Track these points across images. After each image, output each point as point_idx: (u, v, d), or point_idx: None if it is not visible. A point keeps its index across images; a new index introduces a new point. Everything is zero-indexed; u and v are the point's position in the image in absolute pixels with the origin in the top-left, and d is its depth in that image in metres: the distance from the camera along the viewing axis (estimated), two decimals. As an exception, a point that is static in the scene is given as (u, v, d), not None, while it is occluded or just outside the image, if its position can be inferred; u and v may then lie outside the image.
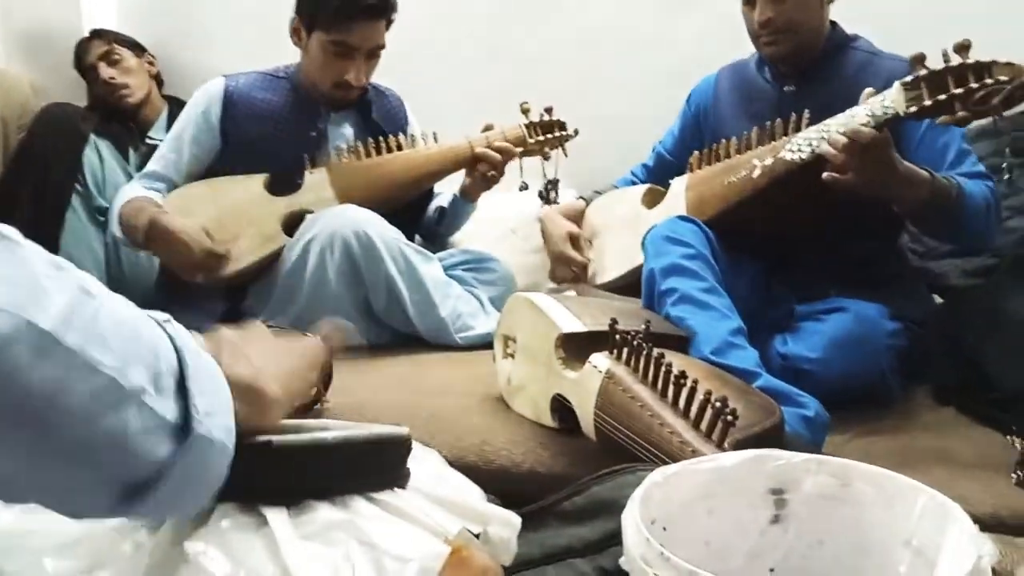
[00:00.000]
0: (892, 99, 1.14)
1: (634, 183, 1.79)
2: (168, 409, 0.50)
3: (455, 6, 2.34)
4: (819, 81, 1.48)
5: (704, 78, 1.73)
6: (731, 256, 1.40)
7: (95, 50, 2.13)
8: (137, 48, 2.20)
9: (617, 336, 1.07)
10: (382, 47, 1.77)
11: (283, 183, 1.74)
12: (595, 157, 2.01)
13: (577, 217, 1.78)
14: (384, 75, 1.93)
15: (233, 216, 1.70)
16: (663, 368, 1.00)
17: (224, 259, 1.67)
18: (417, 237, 1.93)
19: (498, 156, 1.79)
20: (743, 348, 1.22)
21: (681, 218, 1.38)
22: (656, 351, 1.02)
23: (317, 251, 1.60)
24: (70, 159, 1.84)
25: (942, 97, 1.07)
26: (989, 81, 1.04)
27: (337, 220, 1.62)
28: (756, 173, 1.34)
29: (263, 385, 0.62)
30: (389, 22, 1.76)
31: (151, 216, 1.65)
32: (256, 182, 1.74)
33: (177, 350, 0.53)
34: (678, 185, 1.56)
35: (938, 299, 1.61)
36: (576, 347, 1.14)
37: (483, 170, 1.81)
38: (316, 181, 1.74)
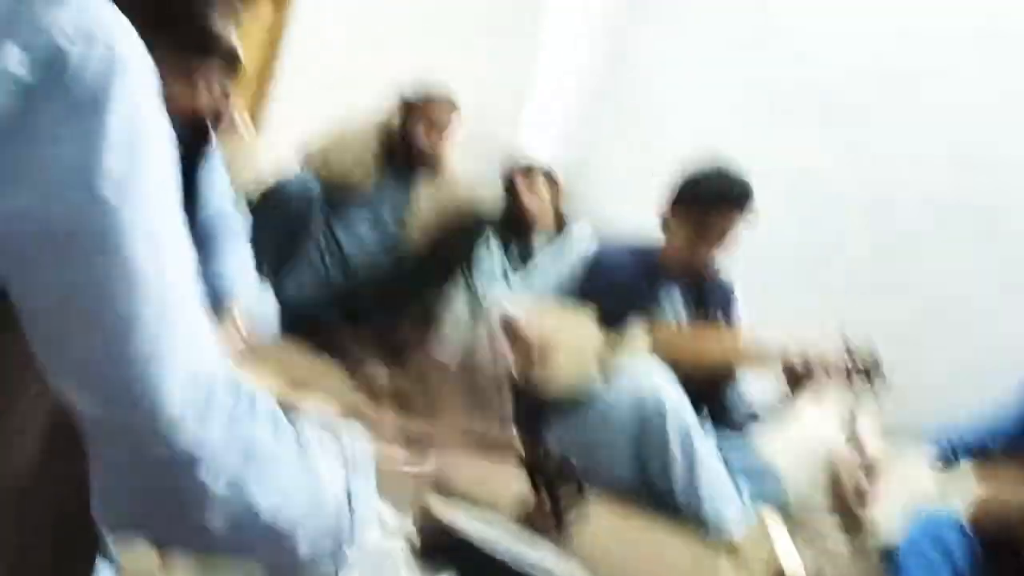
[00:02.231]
0: None
1: (947, 454, 1.75)
2: None
3: (830, 235, 2.46)
4: None
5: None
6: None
7: (522, 175, 2.66)
8: (556, 183, 2.69)
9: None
10: (736, 231, 1.99)
11: (612, 324, 1.99)
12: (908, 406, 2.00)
13: (867, 468, 1.79)
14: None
15: (563, 336, 1.99)
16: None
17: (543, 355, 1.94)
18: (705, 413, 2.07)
19: (805, 363, 1.88)
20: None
21: (948, 520, 1.37)
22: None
23: (616, 396, 1.85)
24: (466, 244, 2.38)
25: None
26: None
27: (641, 374, 1.85)
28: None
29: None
30: (748, 214, 1.99)
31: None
32: (590, 316, 2.01)
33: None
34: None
35: None
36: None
37: (789, 372, 1.92)
38: (638, 332, 1.99)
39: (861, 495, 1.71)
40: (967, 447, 1.73)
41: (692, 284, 2.12)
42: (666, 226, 2.08)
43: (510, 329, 1.98)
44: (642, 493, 1.86)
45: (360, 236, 2.58)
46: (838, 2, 2.58)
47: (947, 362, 2.23)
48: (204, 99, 1.44)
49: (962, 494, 1.51)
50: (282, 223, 2.38)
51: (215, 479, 0.52)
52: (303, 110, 3.02)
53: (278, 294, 2.35)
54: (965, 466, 1.60)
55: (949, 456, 1.72)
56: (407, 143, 2.57)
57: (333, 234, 2.56)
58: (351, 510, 0.60)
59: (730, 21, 2.71)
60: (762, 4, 2.66)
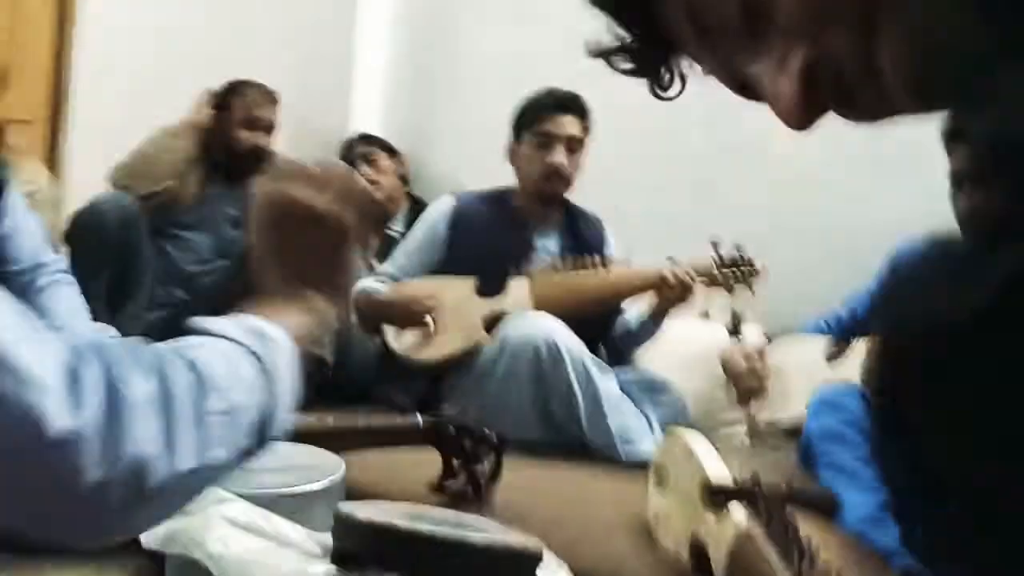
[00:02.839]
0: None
1: (824, 331, 1.84)
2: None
3: (668, 144, 2.51)
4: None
5: (904, 243, 1.75)
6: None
7: (357, 150, 2.53)
8: (392, 150, 2.57)
9: (757, 489, 1.15)
10: (579, 140, 2.03)
11: (490, 287, 1.98)
12: (786, 299, 2.09)
13: (759, 354, 1.85)
14: (589, 198, 2.17)
15: (445, 310, 1.95)
16: (797, 537, 1.06)
17: (431, 304, 1.92)
18: (602, 350, 2.08)
19: (674, 282, 1.93)
20: (888, 525, 1.24)
21: (848, 385, 1.43)
22: (794, 517, 1.08)
23: (509, 351, 1.80)
24: None
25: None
26: None
27: (531, 326, 1.82)
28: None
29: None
30: (585, 123, 2.04)
31: (366, 295, 2.01)
32: (467, 284, 1.99)
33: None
34: (859, 350, 1.60)
35: None
36: (726, 497, 1.22)
37: (668, 294, 1.95)
38: (518, 289, 1.97)
39: (758, 376, 1.75)
40: (843, 325, 1.81)
41: (561, 224, 2.13)
42: (514, 157, 2.10)
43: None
44: (553, 443, 1.83)
45: (195, 248, 2.39)
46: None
47: (815, 250, 2.31)
48: None
49: (853, 367, 1.57)
50: (102, 252, 2.16)
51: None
52: (105, 132, 2.80)
53: (120, 331, 2.16)
54: (851, 343, 1.66)
55: (834, 335, 1.79)
56: (225, 141, 2.39)
57: (166, 252, 2.36)
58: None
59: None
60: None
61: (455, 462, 1.38)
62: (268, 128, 2.40)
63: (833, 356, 1.68)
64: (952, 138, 1.50)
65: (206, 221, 2.41)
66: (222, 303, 2.37)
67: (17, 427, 0.44)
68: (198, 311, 2.32)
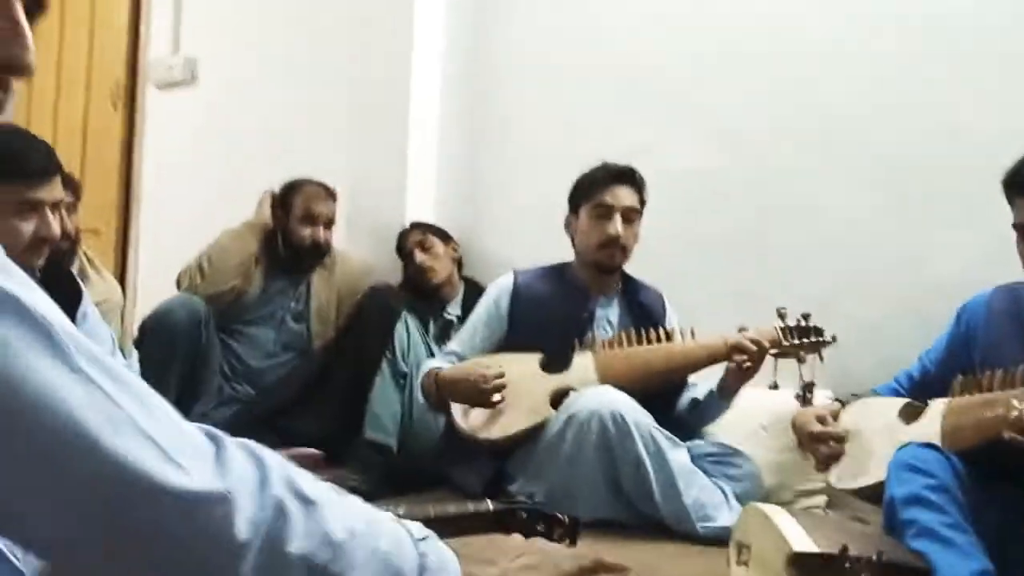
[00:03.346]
0: None
1: (897, 391, 1.78)
2: None
3: (720, 206, 2.51)
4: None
5: (977, 295, 1.71)
6: (983, 491, 1.35)
7: (412, 238, 2.58)
8: (446, 237, 2.62)
9: (847, 563, 1.11)
10: (635, 211, 2.07)
11: (555, 362, 1.98)
12: (853, 362, 2.05)
13: (832, 415, 1.79)
14: (648, 270, 2.18)
15: (511, 387, 1.94)
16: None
17: (501, 383, 1.92)
18: (668, 425, 2.05)
19: (753, 347, 1.90)
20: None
21: (927, 446, 1.38)
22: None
23: (576, 427, 1.79)
24: (385, 332, 2.22)
25: None
26: None
27: (596, 400, 1.80)
28: (1013, 415, 1.32)
29: None
30: (640, 194, 2.08)
31: (436, 374, 2.02)
32: (533, 359, 2.00)
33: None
34: (936, 407, 1.54)
35: None
36: (806, 566, 1.18)
37: (738, 360, 1.92)
38: (582, 363, 1.96)
39: (834, 440, 1.68)
40: (915, 382, 1.76)
41: (621, 295, 2.14)
42: (572, 229, 2.13)
43: None
44: (627, 521, 1.79)
45: (261, 343, 2.45)
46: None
47: (877, 308, 2.27)
48: (51, 230, 1.38)
49: (931, 425, 1.52)
50: (174, 353, 2.22)
51: None
52: (172, 239, 2.93)
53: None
54: (924, 401, 1.61)
55: (906, 394, 1.74)
56: (286, 237, 2.48)
57: (232, 349, 2.42)
58: None
59: (570, 47, 2.77)
60: (601, 30, 2.72)
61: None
62: (327, 222, 2.48)
63: (908, 416, 1.63)
64: (1018, 189, 1.49)
65: (270, 316, 2.47)
66: (288, 395, 2.41)
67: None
68: (266, 405, 2.37)
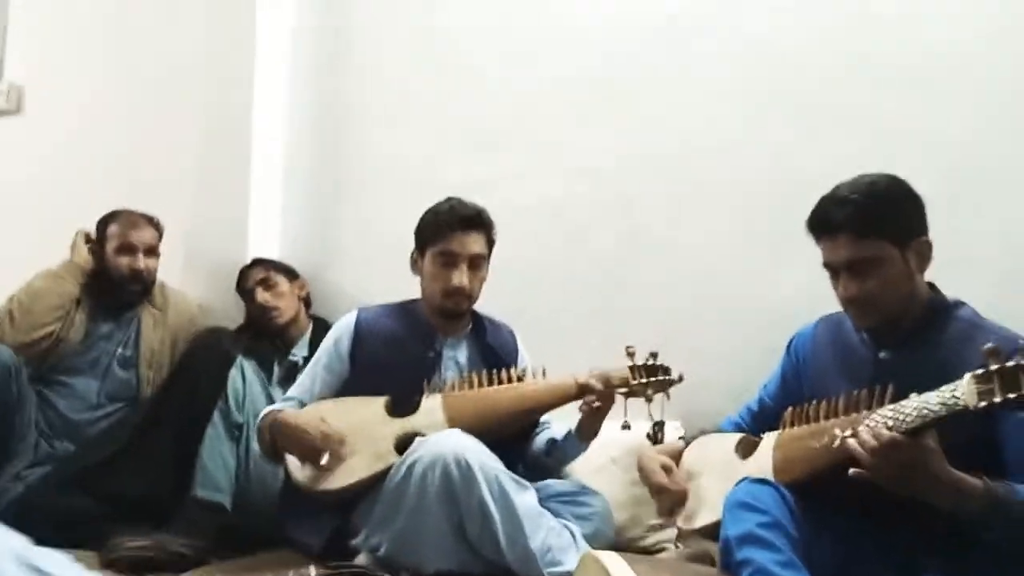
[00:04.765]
0: (963, 390, 1.14)
1: (739, 425, 1.81)
2: None
3: (574, 239, 2.53)
4: (916, 349, 1.47)
5: (804, 328, 1.76)
6: (816, 522, 1.37)
7: (254, 276, 2.45)
8: (291, 274, 2.51)
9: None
10: (482, 257, 2.00)
11: (402, 405, 1.90)
12: (702, 395, 2.07)
13: (674, 456, 1.80)
14: (500, 305, 2.15)
15: (354, 433, 1.85)
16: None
17: (342, 443, 1.82)
18: (520, 467, 2.00)
19: (601, 387, 1.88)
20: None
21: (759, 481, 1.39)
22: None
23: (419, 473, 1.70)
24: (217, 379, 2.09)
25: (1012, 396, 1.06)
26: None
27: (440, 445, 1.72)
28: (836, 444, 1.34)
29: None
30: (489, 239, 2.02)
31: (272, 417, 1.89)
32: (378, 403, 1.91)
33: None
34: (769, 441, 1.57)
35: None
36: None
37: (590, 400, 1.89)
38: (430, 406, 1.89)
39: (676, 485, 1.68)
40: (754, 416, 1.79)
41: (470, 335, 2.08)
42: (416, 268, 2.06)
43: None
44: (476, 571, 1.72)
45: (83, 394, 2.24)
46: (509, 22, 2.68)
47: (726, 343, 2.32)
48: None
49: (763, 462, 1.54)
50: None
51: None
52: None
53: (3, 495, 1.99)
54: (759, 435, 1.64)
55: (747, 428, 1.77)
56: (107, 273, 2.31)
57: (49, 401, 2.20)
58: None
59: (428, 74, 2.74)
60: (455, 57, 2.71)
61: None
62: (148, 250, 2.32)
63: (743, 451, 1.64)
64: (817, 231, 1.54)
65: (94, 363, 2.28)
66: (111, 450, 2.20)
67: None
68: (85, 462, 2.15)
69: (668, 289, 2.41)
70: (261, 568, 1.59)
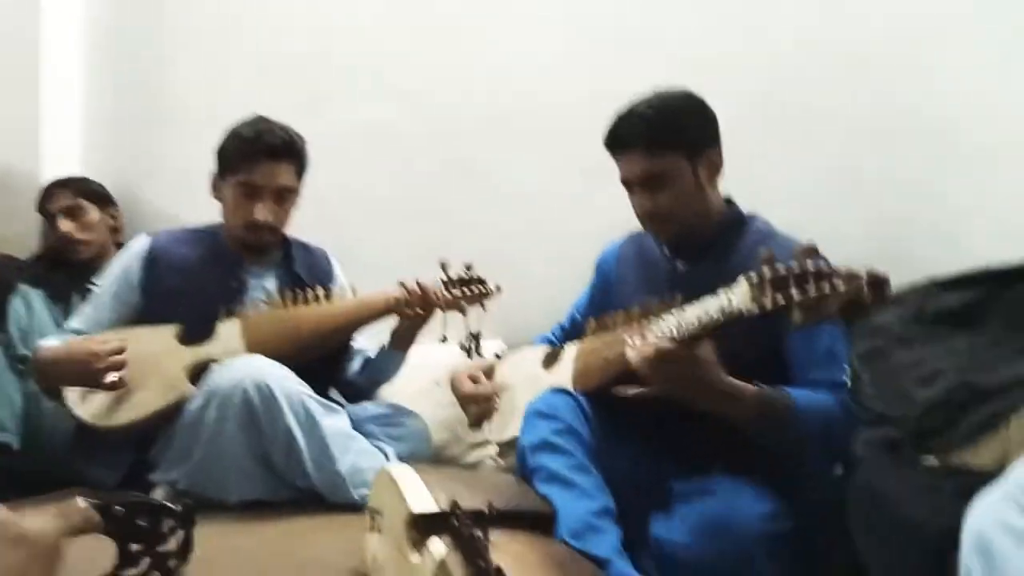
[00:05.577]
0: (739, 295, 1.17)
1: (551, 341, 1.82)
2: None
3: (397, 163, 2.46)
4: (712, 260, 1.51)
5: (610, 245, 1.78)
6: (612, 430, 1.40)
7: (60, 200, 2.20)
8: (103, 200, 2.26)
9: (456, 519, 1.06)
10: (290, 189, 1.86)
11: (195, 333, 1.77)
12: (523, 315, 2.07)
13: (487, 371, 1.80)
14: (320, 227, 2.05)
15: (140, 364, 1.70)
16: (484, 561, 0.98)
17: (118, 359, 1.66)
18: (332, 393, 1.93)
19: (417, 290, 1.83)
20: (603, 531, 1.20)
21: (558, 391, 1.40)
22: (484, 539, 1.00)
23: (218, 402, 1.60)
24: None
25: (781, 301, 1.09)
26: (826, 290, 1.06)
27: (240, 371, 1.62)
28: (628, 353, 1.36)
29: None
30: (299, 168, 1.87)
31: (38, 349, 1.71)
32: (167, 331, 1.77)
33: None
34: (570, 352, 1.58)
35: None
36: (423, 527, 1.13)
37: (407, 311, 1.84)
38: (227, 332, 1.77)
39: (485, 398, 1.68)
40: (565, 332, 1.81)
41: (279, 261, 1.95)
42: (218, 193, 1.88)
43: None
44: (284, 498, 1.65)
45: None
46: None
47: (547, 265, 2.32)
48: None
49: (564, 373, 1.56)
50: None
51: None
52: None
53: None
54: (562, 347, 1.66)
55: (557, 343, 1.78)
56: None
57: None
58: None
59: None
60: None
61: (133, 547, 1.18)
62: None
63: (547, 363, 1.66)
64: (612, 148, 1.54)
65: None
66: None
67: None
68: None
69: (492, 214, 2.40)
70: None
